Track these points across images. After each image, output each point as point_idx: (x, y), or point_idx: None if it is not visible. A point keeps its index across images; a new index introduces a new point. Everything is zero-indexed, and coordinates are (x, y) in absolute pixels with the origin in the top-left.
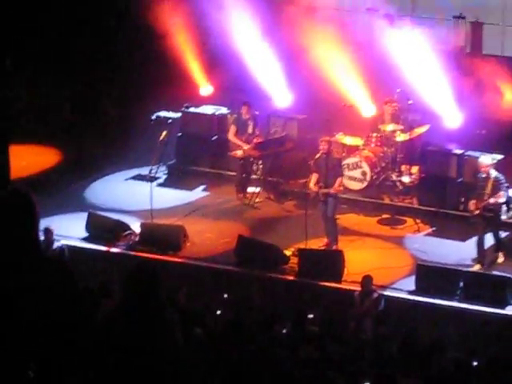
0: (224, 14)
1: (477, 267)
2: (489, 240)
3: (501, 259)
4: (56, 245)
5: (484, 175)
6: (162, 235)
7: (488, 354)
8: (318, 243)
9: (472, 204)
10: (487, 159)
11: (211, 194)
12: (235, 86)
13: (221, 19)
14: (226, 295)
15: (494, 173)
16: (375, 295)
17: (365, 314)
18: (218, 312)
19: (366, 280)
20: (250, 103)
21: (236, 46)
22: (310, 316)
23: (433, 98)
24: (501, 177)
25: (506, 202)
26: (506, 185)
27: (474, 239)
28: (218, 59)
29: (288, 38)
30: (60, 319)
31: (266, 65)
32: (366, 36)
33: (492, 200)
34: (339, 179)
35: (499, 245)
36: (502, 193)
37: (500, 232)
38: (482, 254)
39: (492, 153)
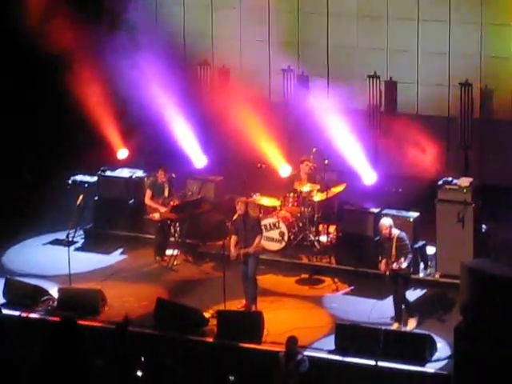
0: (140, 78)
1: (395, 326)
2: (410, 296)
3: (411, 326)
4: None
5: (386, 236)
6: (80, 299)
7: None
8: (236, 305)
9: (383, 264)
10: (386, 220)
11: (129, 258)
12: (152, 148)
13: (137, 83)
14: (142, 358)
15: (396, 232)
16: (299, 356)
17: (289, 375)
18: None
19: (291, 341)
20: (165, 166)
21: (153, 109)
22: (231, 378)
23: (348, 156)
24: (402, 236)
25: (424, 260)
26: (420, 244)
27: (392, 297)
28: (134, 122)
29: (203, 100)
30: None
31: (181, 127)
32: (282, 96)
33: (395, 265)
34: (258, 237)
35: (408, 310)
36: (402, 259)
37: (405, 295)
38: (399, 313)
39: (409, 210)
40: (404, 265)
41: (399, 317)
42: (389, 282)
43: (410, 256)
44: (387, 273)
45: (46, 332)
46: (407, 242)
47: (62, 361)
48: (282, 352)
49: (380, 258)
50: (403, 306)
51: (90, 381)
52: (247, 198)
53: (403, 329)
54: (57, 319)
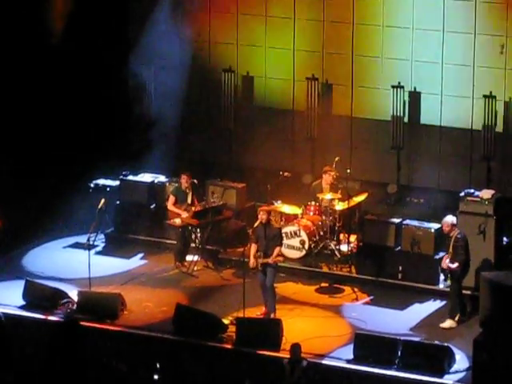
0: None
1: (448, 323)
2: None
3: (446, 324)
4: None
5: (446, 233)
6: (99, 303)
7: None
8: (255, 312)
9: (444, 259)
10: (450, 218)
11: (149, 262)
12: (174, 154)
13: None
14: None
15: (456, 232)
16: (305, 363)
17: (295, 382)
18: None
19: (295, 348)
20: (189, 172)
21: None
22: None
23: (371, 166)
24: (459, 237)
25: (444, 272)
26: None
27: (413, 307)
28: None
29: (225, 106)
30: None
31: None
32: (305, 105)
33: (453, 265)
34: (277, 249)
35: (454, 309)
36: (457, 263)
37: (458, 294)
38: (463, 308)
39: (430, 222)
40: (452, 266)
41: (458, 312)
42: (446, 276)
43: (463, 258)
44: (445, 267)
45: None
46: (465, 243)
47: (63, 361)
48: (286, 359)
49: (401, 267)
50: (454, 303)
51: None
52: (269, 207)
53: (443, 325)
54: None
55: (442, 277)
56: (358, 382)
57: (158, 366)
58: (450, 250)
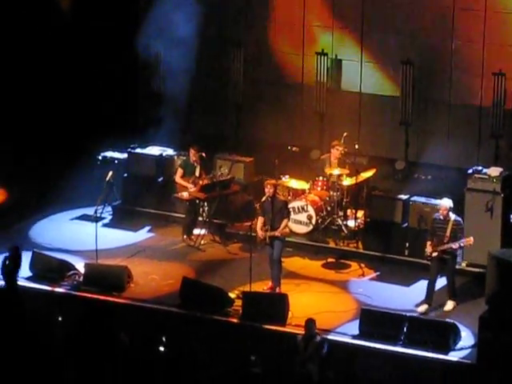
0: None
1: (423, 308)
2: (439, 283)
3: (449, 307)
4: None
5: (442, 217)
6: (106, 276)
7: None
8: (262, 286)
9: (428, 246)
10: (447, 202)
11: (156, 236)
12: (183, 128)
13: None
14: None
15: (452, 215)
16: (318, 339)
17: (309, 358)
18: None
19: (310, 324)
20: (197, 146)
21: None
22: (253, 358)
23: (379, 142)
24: (460, 220)
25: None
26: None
27: (419, 284)
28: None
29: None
30: None
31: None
32: (315, 79)
33: (454, 245)
34: (285, 221)
35: (453, 292)
36: (463, 240)
37: (454, 278)
38: (431, 296)
39: (437, 198)
40: (457, 244)
41: (430, 299)
42: (432, 263)
43: (463, 240)
44: (433, 254)
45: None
46: (463, 226)
47: None
48: (301, 335)
49: (408, 244)
50: (450, 287)
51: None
52: (276, 180)
53: (442, 309)
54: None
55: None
56: (364, 358)
57: (163, 339)
58: (448, 233)
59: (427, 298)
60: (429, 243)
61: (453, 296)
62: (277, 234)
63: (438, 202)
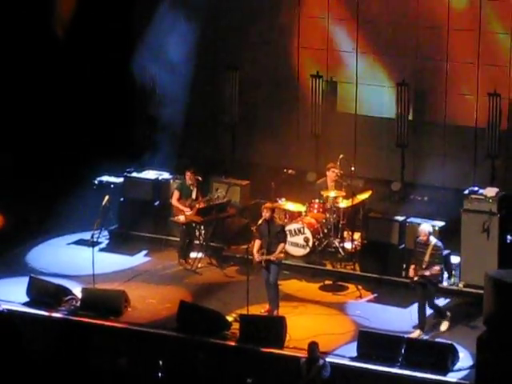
0: None
1: (416, 333)
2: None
3: (444, 327)
4: None
5: (423, 242)
6: (103, 300)
7: None
8: (259, 309)
9: (412, 270)
10: (427, 226)
11: (153, 259)
12: (179, 150)
13: None
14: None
15: (433, 240)
16: (321, 362)
17: (312, 381)
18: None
19: (312, 347)
20: (193, 169)
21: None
22: (249, 381)
23: (375, 164)
24: (439, 245)
25: (448, 269)
26: (444, 253)
27: (416, 305)
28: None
29: (231, 104)
30: None
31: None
32: (310, 102)
33: (427, 272)
34: (281, 245)
35: (440, 313)
36: (437, 267)
37: (435, 301)
38: (423, 320)
39: (434, 219)
40: (437, 268)
41: (422, 324)
42: (415, 287)
43: (442, 266)
44: (415, 278)
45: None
46: (442, 252)
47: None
48: (304, 358)
49: (405, 265)
50: (435, 311)
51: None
52: (273, 204)
53: (438, 330)
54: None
55: (445, 275)
56: (362, 380)
57: (160, 363)
58: (427, 258)
59: (420, 323)
60: (412, 267)
61: (442, 317)
62: (272, 258)
63: (434, 223)
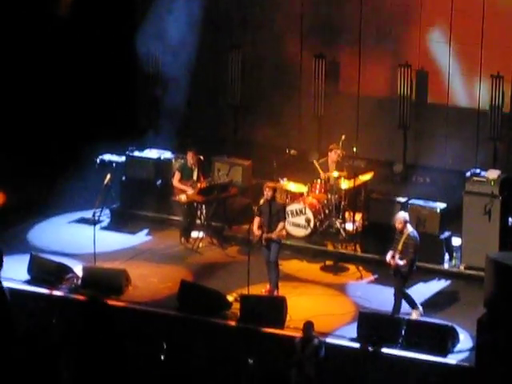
0: None
1: (415, 314)
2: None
3: (414, 316)
4: None
5: (399, 230)
6: (104, 279)
7: None
8: (260, 289)
9: (389, 255)
10: (403, 214)
11: (154, 239)
12: (181, 129)
13: None
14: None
15: (409, 229)
16: (316, 341)
17: (306, 360)
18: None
19: (307, 326)
20: (195, 149)
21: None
22: (250, 361)
23: (377, 145)
24: (413, 235)
25: (449, 252)
26: (445, 235)
27: (417, 287)
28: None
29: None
30: None
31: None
32: (313, 82)
33: (392, 262)
34: (281, 224)
35: (409, 303)
36: (402, 261)
37: (405, 290)
38: (413, 301)
39: (435, 201)
40: (400, 262)
41: (414, 304)
42: (392, 273)
43: (412, 257)
44: (391, 265)
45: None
46: (416, 242)
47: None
48: (299, 338)
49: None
50: (404, 300)
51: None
52: (275, 184)
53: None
54: (83, 298)
55: (446, 257)
56: (362, 361)
57: (164, 345)
58: (400, 247)
59: (411, 306)
60: (389, 253)
61: (412, 307)
62: (273, 236)
63: (436, 204)
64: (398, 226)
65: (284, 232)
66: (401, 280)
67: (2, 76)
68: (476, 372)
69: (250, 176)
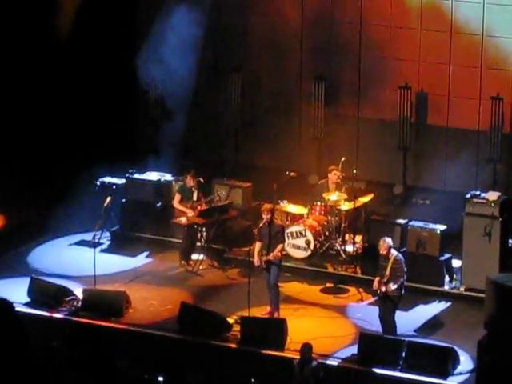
0: None
1: None
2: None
3: None
4: None
5: (383, 255)
6: (104, 301)
7: None
8: (260, 311)
9: (376, 282)
10: (387, 240)
11: (154, 261)
12: (181, 152)
13: None
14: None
15: (394, 253)
16: (314, 363)
17: (304, 381)
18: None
19: (305, 348)
20: (194, 171)
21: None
22: (253, 380)
23: (377, 167)
24: (399, 258)
25: (449, 273)
26: (445, 257)
27: (417, 309)
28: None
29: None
30: None
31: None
32: (313, 104)
33: (383, 288)
34: (280, 246)
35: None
36: (394, 285)
37: (391, 318)
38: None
39: (435, 223)
40: (392, 287)
41: (395, 328)
42: (379, 300)
43: (401, 280)
44: (378, 291)
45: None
46: (403, 265)
47: None
48: (297, 359)
49: (406, 268)
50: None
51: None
52: (274, 205)
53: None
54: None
55: (446, 278)
56: (362, 383)
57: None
58: (387, 272)
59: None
60: (376, 279)
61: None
62: (270, 257)
63: (436, 226)
64: (383, 252)
65: (280, 254)
66: (391, 307)
67: (2, 98)
68: None
69: (249, 198)
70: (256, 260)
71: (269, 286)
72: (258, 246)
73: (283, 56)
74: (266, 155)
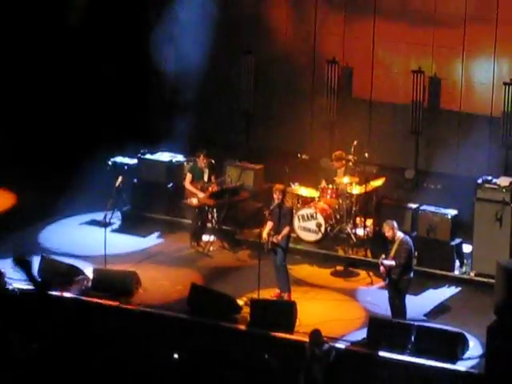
0: None
1: None
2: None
3: None
4: (8, 288)
5: (390, 238)
6: (114, 281)
7: None
8: (270, 293)
9: (380, 260)
10: (390, 222)
11: (165, 241)
12: (193, 133)
13: None
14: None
15: (400, 235)
16: (326, 346)
17: (314, 364)
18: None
19: (315, 333)
20: (205, 152)
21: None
22: (266, 356)
23: (389, 151)
24: (406, 240)
25: (460, 258)
26: (456, 242)
27: (427, 293)
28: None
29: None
30: None
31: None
32: (326, 87)
33: (382, 268)
34: (286, 228)
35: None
36: (392, 262)
37: (400, 299)
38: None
39: (447, 208)
40: (388, 263)
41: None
42: (388, 283)
43: (403, 261)
44: (384, 273)
45: None
46: (408, 247)
47: None
48: (308, 342)
49: (417, 253)
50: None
51: None
52: (285, 186)
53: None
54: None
55: (457, 263)
56: (371, 366)
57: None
58: (392, 253)
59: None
60: (381, 257)
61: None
62: (274, 240)
63: (447, 211)
64: (388, 234)
65: (284, 236)
66: (396, 291)
67: (18, 79)
68: (485, 379)
69: (261, 180)
70: (263, 237)
71: (276, 269)
72: (269, 225)
73: (296, 39)
74: (278, 138)
